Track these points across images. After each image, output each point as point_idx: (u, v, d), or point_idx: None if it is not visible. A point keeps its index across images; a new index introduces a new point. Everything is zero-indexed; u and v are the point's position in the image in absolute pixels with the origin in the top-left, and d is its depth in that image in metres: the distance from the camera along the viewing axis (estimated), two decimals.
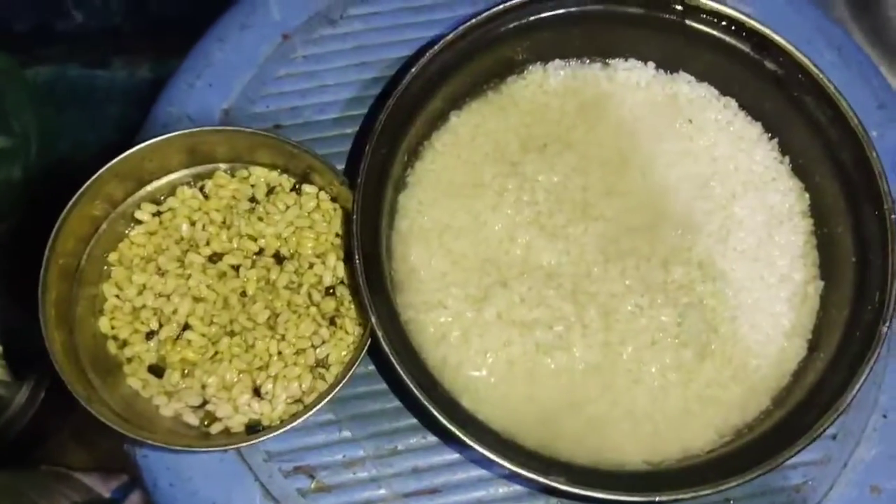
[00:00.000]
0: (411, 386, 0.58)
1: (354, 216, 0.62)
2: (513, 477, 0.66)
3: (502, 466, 0.58)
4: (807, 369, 0.67)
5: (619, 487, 0.59)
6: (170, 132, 0.67)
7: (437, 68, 0.67)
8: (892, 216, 0.63)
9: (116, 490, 1.25)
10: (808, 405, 0.64)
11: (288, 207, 0.70)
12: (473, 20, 0.66)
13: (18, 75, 1.23)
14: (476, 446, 0.57)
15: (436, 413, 0.58)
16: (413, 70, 0.65)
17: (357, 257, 0.61)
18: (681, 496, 0.58)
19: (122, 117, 1.42)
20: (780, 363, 0.68)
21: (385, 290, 0.64)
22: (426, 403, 0.58)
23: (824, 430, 0.60)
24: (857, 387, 0.61)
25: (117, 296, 0.68)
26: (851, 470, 0.68)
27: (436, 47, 0.66)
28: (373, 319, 0.59)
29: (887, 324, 0.62)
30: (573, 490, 0.58)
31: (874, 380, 0.70)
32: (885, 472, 0.68)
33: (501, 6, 0.67)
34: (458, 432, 0.58)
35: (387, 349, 0.59)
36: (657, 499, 0.58)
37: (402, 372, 0.59)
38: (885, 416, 0.69)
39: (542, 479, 0.57)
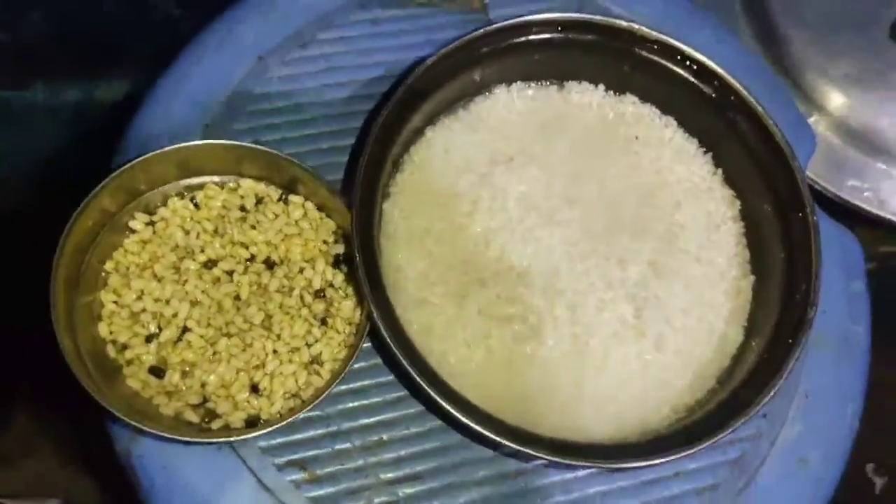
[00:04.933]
0: (413, 373, 0.63)
1: (353, 222, 0.67)
2: (489, 460, 0.71)
3: (499, 443, 0.63)
4: (745, 353, 0.75)
5: (593, 456, 0.66)
6: (157, 148, 0.70)
7: (421, 87, 0.73)
8: (814, 218, 0.73)
9: None
10: (748, 384, 0.71)
11: (276, 216, 0.73)
12: (455, 44, 0.73)
13: None
14: (473, 425, 0.63)
15: (438, 398, 0.63)
16: (409, 80, 0.71)
17: (357, 257, 0.66)
18: (640, 464, 0.66)
19: (47, 140, 1.39)
20: (721, 348, 0.75)
21: (381, 287, 0.68)
22: (429, 390, 0.63)
23: (763, 405, 0.67)
24: (791, 365, 0.68)
25: (115, 302, 0.70)
26: (780, 445, 0.75)
27: (420, 67, 0.72)
28: (374, 313, 0.64)
29: (814, 308, 0.70)
30: (554, 459, 0.64)
31: (797, 366, 0.78)
32: (809, 445, 0.75)
33: (481, 31, 0.74)
34: (453, 412, 0.63)
35: (387, 339, 0.64)
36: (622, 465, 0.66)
37: (402, 359, 0.63)
38: (807, 397, 0.77)
39: (524, 450, 0.63)
